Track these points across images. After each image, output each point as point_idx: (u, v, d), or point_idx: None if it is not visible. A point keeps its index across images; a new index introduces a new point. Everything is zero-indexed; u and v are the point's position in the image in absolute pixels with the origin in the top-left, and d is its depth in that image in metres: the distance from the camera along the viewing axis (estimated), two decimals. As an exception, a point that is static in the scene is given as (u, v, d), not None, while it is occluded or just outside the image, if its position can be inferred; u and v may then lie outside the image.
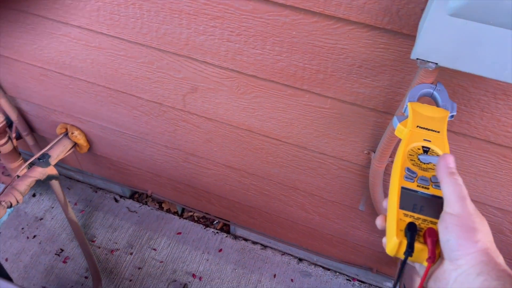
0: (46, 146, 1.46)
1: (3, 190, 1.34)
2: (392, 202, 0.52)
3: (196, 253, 1.74)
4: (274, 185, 1.31)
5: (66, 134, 1.51)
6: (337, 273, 1.70)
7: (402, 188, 0.53)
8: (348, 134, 1.01)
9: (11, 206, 1.32)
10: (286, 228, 1.52)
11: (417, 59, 0.64)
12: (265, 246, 1.78)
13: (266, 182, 1.32)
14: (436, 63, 0.64)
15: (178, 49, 1.00)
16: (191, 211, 1.89)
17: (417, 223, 0.50)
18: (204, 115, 1.16)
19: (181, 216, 1.87)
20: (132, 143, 1.44)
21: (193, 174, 1.46)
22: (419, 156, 0.57)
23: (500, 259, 0.45)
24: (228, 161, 1.30)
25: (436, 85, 0.68)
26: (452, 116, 0.65)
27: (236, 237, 1.80)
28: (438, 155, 0.56)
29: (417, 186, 0.53)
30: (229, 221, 1.72)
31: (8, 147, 1.59)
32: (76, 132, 1.49)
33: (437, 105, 0.67)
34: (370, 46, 0.80)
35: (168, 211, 1.89)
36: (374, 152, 1.00)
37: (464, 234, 0.45)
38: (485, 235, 0.45)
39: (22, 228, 1.80)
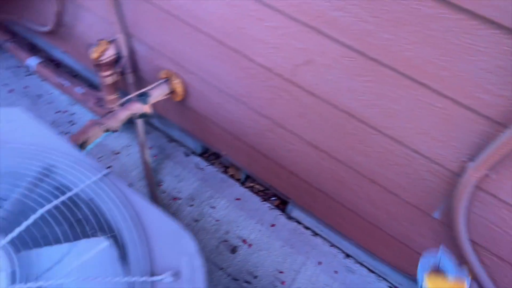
0: (141, 87, 1.57)
1: (104, 116, 1.46)
2: None
3: (250, 222, 1.81)
4: (352, 174, 1.35)
5: (166, 80, 1.61)
6: (381, 278, 1.72)
7: None
8: (451, 138, 1.03)
9: (107, 131, 1.44)
10: (347, 220, 1.55)
11: None
12: (316, 233, 1.82)
13: (345, 169, 1.35)
14: None
15: (309, 20, 1.05)
16: (252, 182, 1.96)
17: None
18: (309, 89, 1.21)
19: (242, 184, 1.94)
20: (226, 102, 1.51)
21: (274, 145, 1.52)
22: None
23: None
24: (314, 140, 1.35)
25: (439, 254, 0.69)
26: (469, 286, 0.65)
27: (290, 217, 1.86)
28: None
29: None
30: (290, 199, 1.77)
31: (111, 79, 1.72)
32: (177, 80, 1.59)
33: (447, 275, 0.67)
34: (509, 53, 0.82)
35: (232, 176, 1.97)
36: (473, 161, 1.01)
37: None
38: None
39: (100, 157, 1.93)
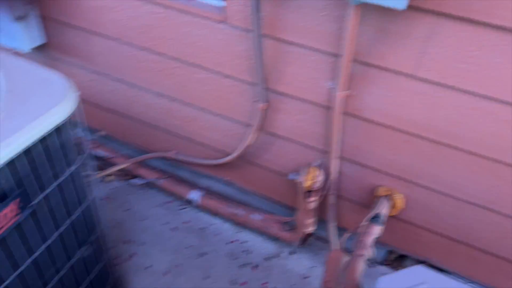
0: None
1: (358, 244, 1.43)
2: None
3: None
4: None
5: (387, 197, 1.62)
6: None
7: None
8: None
9: (368, 260, 1.40)
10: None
11: None
12: None
13: None
14: None
15: None
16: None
17: None
18: None
19: None
20: (459, 210, 1.53)
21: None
22: None
23: None
24: None
25: None
26: None
27: None
28: None
29: None
30: None
31: (314, 204, 1.71)
32: (399, 195, 1.60)
33: None
34: None
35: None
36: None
37: None
38: None
39: (293, 285, 1.85)
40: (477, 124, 1.31)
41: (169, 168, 2.17)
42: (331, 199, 1.74)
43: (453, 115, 1.33)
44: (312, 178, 1.63)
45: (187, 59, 1.68)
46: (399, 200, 1.60)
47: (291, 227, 1.88)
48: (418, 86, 1.33)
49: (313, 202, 1.69)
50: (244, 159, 1.85)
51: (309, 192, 1.66)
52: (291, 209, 1.92)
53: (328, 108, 1.53)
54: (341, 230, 1.83)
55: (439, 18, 1.19)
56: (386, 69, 1.35)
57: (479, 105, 1.28)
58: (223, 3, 1.50)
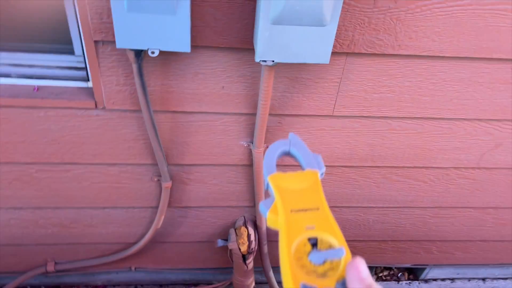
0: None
1: None
2: None
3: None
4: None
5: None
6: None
7: None
8: None
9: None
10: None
11: (260, 60, 0.98)
12: (453, 279, 2.02)
13: None
14: (273, 60, 0.99)
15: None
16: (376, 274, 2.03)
17: None
18: None
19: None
20: (383, 216, 1.59)
21: None
22: (310, 257, 0.43)
23: None
24: None
25: (289, 139, 0.57)
26: (322, 174, 0.53)
27: (426, 280, 2.01)
28: (331, 246, 0.45)
29: None
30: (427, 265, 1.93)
31: (251, 264, 1.57)
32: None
33: (301, 166, 0.56)
34: None
35: None
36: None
37: None
38: None
39: None
40: (394, 142, 1.34)
41: (55, 280, 1.71)
42: (265, 249, 1.61)
43: (373, 140, 1.33)
44: (246, 240, 1.47)
45: (51, 160, 1.28)
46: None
47: (230, 291, 1.70)
48: (337, 123, 1.28)
49: (251, 262, 1.54)
50: (154, 241, 1.56)
51: (246, 255, 1.50)
52: (218, 270, 1.73)
53: (246, 166, 1.36)
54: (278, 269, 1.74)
55: (351, 57, 1.13)
56: (303, 115, 1.25)
57: (395, 126, 1.30)
58: (88, 84, 1.16)
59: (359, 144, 1.35)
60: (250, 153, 1.33)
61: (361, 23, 1.06)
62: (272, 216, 0.48)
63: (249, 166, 1.37)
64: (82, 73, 1.17)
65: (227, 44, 1.06)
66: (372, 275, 1.97)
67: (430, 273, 1.99)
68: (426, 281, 2.00)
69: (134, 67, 1.04)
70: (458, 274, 2.00)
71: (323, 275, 0.42)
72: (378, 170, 1.44)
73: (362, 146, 1.35)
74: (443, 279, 2.01)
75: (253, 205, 1.49)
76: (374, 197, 1.53)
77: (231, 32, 1.05)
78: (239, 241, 1.46)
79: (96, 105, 1.16)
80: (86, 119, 1.20)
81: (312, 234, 0.45)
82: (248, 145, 1.31)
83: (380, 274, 2.03)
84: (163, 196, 1.39)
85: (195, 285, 1.84)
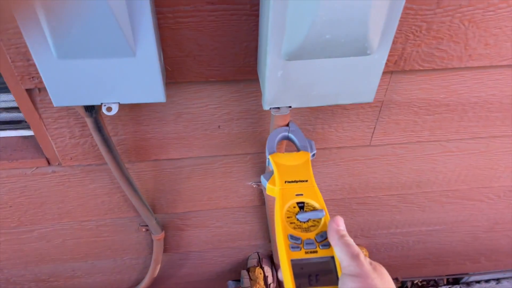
0: None
1: None
2: (287, 282, 0.51)
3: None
4: None
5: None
6: None
7: (292, 262, 0.52)
8: None
9: None
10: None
11: (271, 108, 0.65)
12: (498, 279, 1.77)
13: None
14: (290, 106, 0.66)
15: None
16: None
17: None
18: None
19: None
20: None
21: None
22: (297, 216, 0.57)
23: None
24: None
25: (288, 125, 0.70)
26: (313, 155, 0.67)
27: (468, 284, 1.76)
28: (315, 208, 0.58)
29: (305, 253, 0.53)
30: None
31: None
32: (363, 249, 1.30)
33: (297, 148, 0.69)
34: None
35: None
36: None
37: None
38: None
39: None
40: (448, 165, 1.04)
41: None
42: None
43: (420, 165, 1.02)
44: (263, 286, 1.20)
45: (6, 224, 0.99)
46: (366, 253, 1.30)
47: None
48: (375, 151, 0.96)
49: (270, 303, 1.29)
50: (154, 283, 1.30)
51: None
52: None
53: (257, 206, 1.07)
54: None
55: (397, 74, 0.79)
56: (331, 148, 0.93)
57: (452, 147, 0.98)
58: (28, 133, 0.84)
59: (403, 172, 1.04)
60: (260, 193, 1.03)
61: (417, 31, 0.71)
62: (271, 186, 0.62)
63: (260, 206, 1.08)
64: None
65: (219, 77, 0.72)
66: (406, 283, 1.73)
67: (473, 276, 1.74)
68: (468, 284, 1.75)
69: (89, 121, 0.71)
70: (504, 274, 1.75)
71: (307, 229, 0.56)
72: (425, 195, 1.13)
73: (406, 173, 1.04)
74: (487, 281, 1.76)
75: (269, 241, 1.21)
76: (417, 222, 1.24)
77: (223, 61, 0.70)
78: (254, 287, 1.20)
79: (48, 162, 0.85)
80: (40, 177, 0.89)
81: (301, 199, 0.59)
82: (259, 186, 1.00)
83: (416, 281, 1.78)
84: (156, 248, 1.11)
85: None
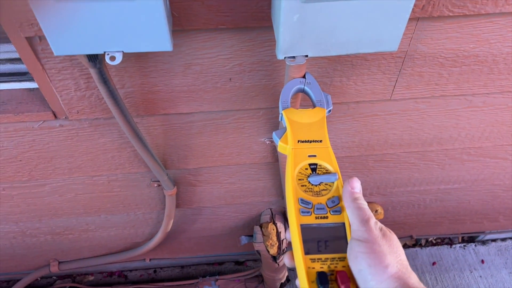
0: None
1: None
2: (296, 247, 0.50)
3: (463, 275, 1.65)
4: None
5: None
6: None
7: (302, 226, 0.51)
8: None
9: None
10: None
11: (285, 57, 0.60)
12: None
13: None
14: (307, 55, 0.60)
15: None
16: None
17: (326, 268, 0.48)
18: None
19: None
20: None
21: None
22: (309, 179, 0.54)
23: (412, 279, 0.44)
24: None
25: (305, 77, 0.65)
26: (329, 111, 0.63)
27: (484, 242, 1.74)
28: (327, 171, 0.55)
29: (315, 218, 0.51)
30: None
31: (283, 261, 1.32)
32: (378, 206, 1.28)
33: (312, 102, 0.64)
34: None
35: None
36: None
37: (374, 261, 0.44)
38: (394, 256, 0.45)
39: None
40: (473, 121, 0.98)
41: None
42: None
43: (443, 122, 0.96)
44: (276, 241, 1.20)
45: (17, 178, 0.98)
46: (381, 211, 1.29)
47: (259, 281, 1.49)
48: (395, 106, 0.91)
49: (282, 260, 1.29)
50: (167, 237, 1.31)
51: (276, 256, 1.25)
52: (243, 256, 1.51)
53: (270, 163, 1.04)
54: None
55: (423, 21, 0.72)
56: (348, 102, 0.89)
57: (478, 103, 0.92)
58: (33, 85, 0.81)
59: (424, 128, 0.99)
60: (274, 150, 1.00)
61: (449, -29, 0.64)
62: (283, 144, 0.58)
63: (274, 163, 1.05)
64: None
65: (230, 24, 0.67)
66: (421, 240, 1.72)
67: (489, 235, 1.72)
68: (483, 242, 1.74)
69: (93, 72, 0.68)
70: (523, 233, 1.73)
71: (318, 193, 0.53)
72: (446, 152, 1.09)
73: (427, 129, 0.99)
74: (503, 239, 1.74)
75: (282, 197, 1.19)
76: (435, 180, 1.20)
77: (234, 6, 0.65)
78: (267, 243, 1.20)
79: (55, 115, 0.82)
80: (47, 131, 0.87)
81: (313, 161, 0.56)
82: (272, 142, 0.97)
83: (430, 239, 1.77)
84: (168, 203, 1.10)
85: (220, 263, 1.64)
